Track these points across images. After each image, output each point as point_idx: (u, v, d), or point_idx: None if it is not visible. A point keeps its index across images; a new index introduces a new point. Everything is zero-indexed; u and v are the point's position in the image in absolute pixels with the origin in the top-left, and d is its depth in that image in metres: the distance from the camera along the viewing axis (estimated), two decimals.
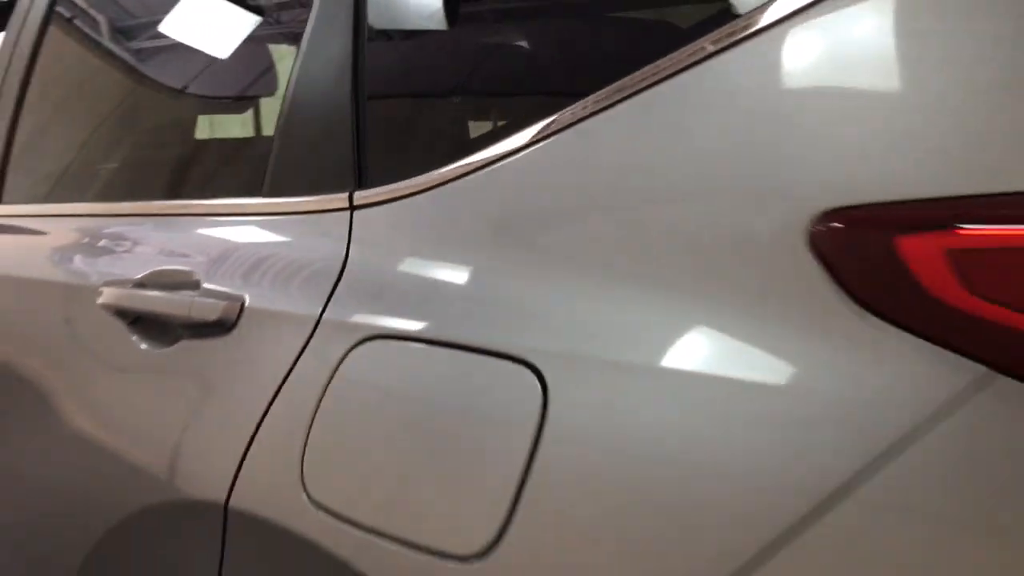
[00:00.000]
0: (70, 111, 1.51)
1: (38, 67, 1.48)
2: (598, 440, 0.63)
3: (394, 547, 0.70)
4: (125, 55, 1.48)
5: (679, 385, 0.61)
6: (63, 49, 1.50)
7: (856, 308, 0.56)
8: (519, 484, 0.64)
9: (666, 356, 0.62)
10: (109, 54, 1.49)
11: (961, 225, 0.54)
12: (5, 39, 1.56)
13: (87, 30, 1.49)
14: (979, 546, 0.51)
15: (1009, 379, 0.51)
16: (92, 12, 1.48)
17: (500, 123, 0.86)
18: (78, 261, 1.20)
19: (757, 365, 0.59)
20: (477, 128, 0.92)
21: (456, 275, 0.76)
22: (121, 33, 1.47)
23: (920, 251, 0.55)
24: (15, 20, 1.54)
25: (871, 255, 0.56)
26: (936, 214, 0.54)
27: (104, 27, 1.47)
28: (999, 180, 0.53)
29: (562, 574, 0.62)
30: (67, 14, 1.49)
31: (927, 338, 0.54)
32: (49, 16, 1.47)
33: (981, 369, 0.52)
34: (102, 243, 1.18)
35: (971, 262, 0.53)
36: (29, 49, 1.48)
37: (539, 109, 0.74)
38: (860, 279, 0.56)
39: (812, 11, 0.61)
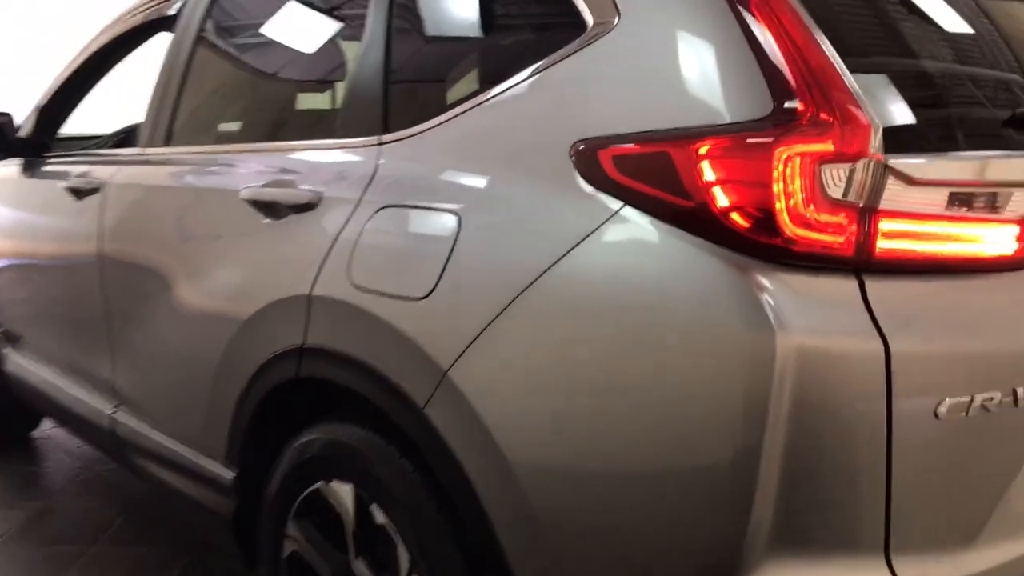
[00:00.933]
0: (218, 90, 2.32)
1: (195, 60, 2.28)
2: (478, 241, 1.39)
3: (384, 297, 1.47)
4: (254, 55, 2.29)
5: (509, 212, 1.36)
6: (211, 48, 2.31)
7: (583, 181, 1.30)
8: (445, 261, 1.40)
9: (506, 206, 1.37)
10: (245, 53, 2.30)
11: (616, 145, 1.27)
12: (172, 40, 2.36)
13: (230, 38, 2.30)
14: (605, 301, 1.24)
15: (629, 207, 1.25)
16: (234, 25, 2.29)
17: (456, 100, 1.61)
18: (226, 176, 2.01)
19: (540, 206, 1.33)
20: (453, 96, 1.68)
21: (426, 174, 1.53)
22: (253, 40, 2.27)
23: (604, 156, 1.28)
24: (179, 28, 2.34)
25: (588, 158, 1.30)
26: (608, 141, 1.28)
27: (242, 37, 2.27)
28: (632, 127, 1.27)
29: (457, 304, 1.38)
30: (214, 25, 2.30)
31: (605, 191, 1.27)
32: (203, 25, 2.28)
33: (620, 204, 1.26)
34: (241, 165, 1.98)
35: (621, 161, 1.27)
36: (189, 46, 2.28)
37: (467, 94, 1.50)
38: (584, 168, 1.30)
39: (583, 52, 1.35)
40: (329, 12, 2.08)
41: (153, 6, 2.52)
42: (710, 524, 1.17)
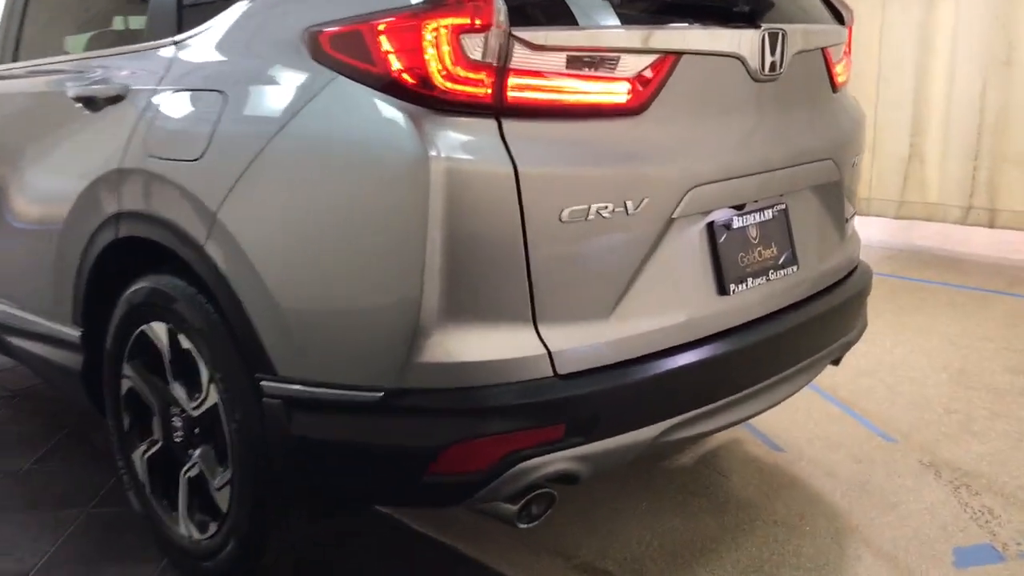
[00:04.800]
0: (50, 17, 2.64)
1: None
2: (236, 110, 1.77)
3: (169, 161, 1.85)
4: None
5: (258, 87, 1.75)
6: None
7: (311, 62, 1.68)
8: (213, 129, 1.78)
9: (256, 83, 1.76)
10: None
11: (330, 28, 1.66)
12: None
13: None
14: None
15: (340, 76, 1.64)
16: None
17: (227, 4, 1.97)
18: (57, 81, 2.34)
19: (280, 80, 1.72)
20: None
21: (204, 64, 1.89)
22: None
23: (323, 38, 1.67)
24: None
25: (313, 40, 1.68)
26: (325, 25, 1.66)
27: None
28: (343, 14, 1.65)
29: (221, 162, 1.76)
30: None
31: (325, 65, 1.66)
32: None
33: (335, 74, 1.64)
34: (69, 71, 2.32)
35: (333, 40, 1.65)
36: None
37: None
38: (311, 48, 1.68)
39: None
40: None
41: None
42: (394, 305, 1.59)
